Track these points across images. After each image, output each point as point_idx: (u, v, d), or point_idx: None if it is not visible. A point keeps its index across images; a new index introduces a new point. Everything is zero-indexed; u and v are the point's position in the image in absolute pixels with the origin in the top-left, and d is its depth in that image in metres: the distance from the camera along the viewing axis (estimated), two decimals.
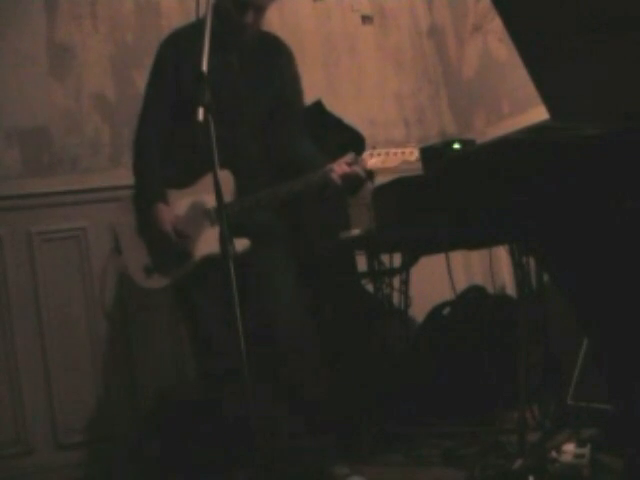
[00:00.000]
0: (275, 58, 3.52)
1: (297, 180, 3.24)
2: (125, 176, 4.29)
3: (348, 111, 4.65)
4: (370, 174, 4.44)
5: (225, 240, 2.62)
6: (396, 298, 4.11)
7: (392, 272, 4.08)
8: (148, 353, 4.26)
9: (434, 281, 4.33)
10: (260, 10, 3.32)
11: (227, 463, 3.25)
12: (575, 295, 2.00)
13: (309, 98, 4.50)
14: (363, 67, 5.14)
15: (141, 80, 4.48)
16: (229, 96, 3.32)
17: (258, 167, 3.41)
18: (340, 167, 3.18)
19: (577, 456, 2.77)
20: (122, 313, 4.27)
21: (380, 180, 3.82)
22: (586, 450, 2.78)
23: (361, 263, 4.23)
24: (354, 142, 4.39)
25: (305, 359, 3.27)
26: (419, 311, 4.36)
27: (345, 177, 3.17)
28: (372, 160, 3.17)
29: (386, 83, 5.17)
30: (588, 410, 3.27)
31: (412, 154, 3.18)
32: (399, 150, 3.18)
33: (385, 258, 4.14)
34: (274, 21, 4.88)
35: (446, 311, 4.26)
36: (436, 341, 4.10)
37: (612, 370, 2.01)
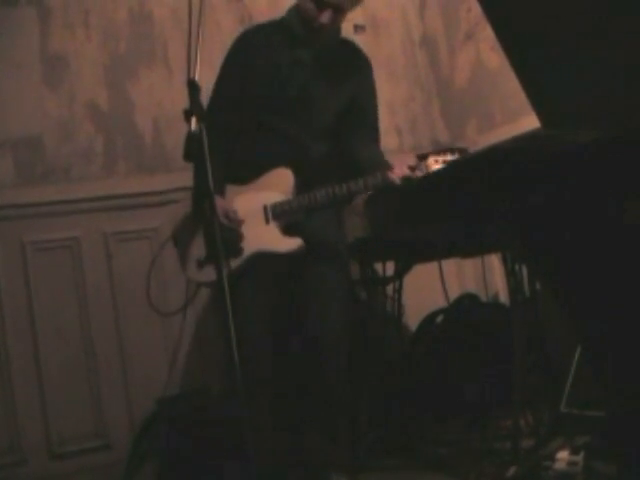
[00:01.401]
0: (352, 64, 3.58)
1: (355, 181, 3.25)
2: (119, 185, 4.31)
3: None
4: None
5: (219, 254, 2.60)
6: (389, 306, 4.11)
7: (385, 280, 4.09)
8: (142, 362, 4.26)
9: (427, 289, 4.33)
10: (339, 12, 3.37)
11: (223, 470, 3.25)
12: (568, 302, 2.01)
13: None
14: None
15: (134, 89, 4.50)
16: (297, 93, 3.39)
17: (321, 168, 3.45)
18: (401, 169, 3.20)
19: (571, 463, 2.77)
20: (115, 321, 4.26)
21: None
22: (580, 458, 2.78)
23: (354, 271, 4.23)
24: None
25: (339, 379, 3.34)
26: (412, 319, 4.36)
27: (405, 180, 3.18)
28: (436, 166, 3.16)
29: (378, 92, 5.16)
30: (582, 417, 3.27)
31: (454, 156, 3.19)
32: (456, 157, 3.18)
33: (378, 266, 4.14)
34: None
35: (439, 319, 4.26)
36: (429, 349, 4.10)
37: (605, 376, 2.02)
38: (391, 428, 3.83)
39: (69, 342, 4.20)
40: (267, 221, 3.30)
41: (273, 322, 3.34)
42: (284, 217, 3.31)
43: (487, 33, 4.55)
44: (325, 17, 3.32)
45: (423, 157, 3.19)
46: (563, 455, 2.82)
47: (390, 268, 4.06)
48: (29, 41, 4.35)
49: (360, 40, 5.16)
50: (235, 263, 3.28)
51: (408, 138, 5.22)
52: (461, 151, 3.22)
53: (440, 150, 3.26)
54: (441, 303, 4.22)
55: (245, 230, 3.31)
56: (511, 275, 3.38)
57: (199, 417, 3.58)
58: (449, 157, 3.14)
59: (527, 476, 2.81)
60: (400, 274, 4.05)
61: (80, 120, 4.41)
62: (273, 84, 3.43)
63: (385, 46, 5.22)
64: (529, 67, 1.63)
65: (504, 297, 4.41)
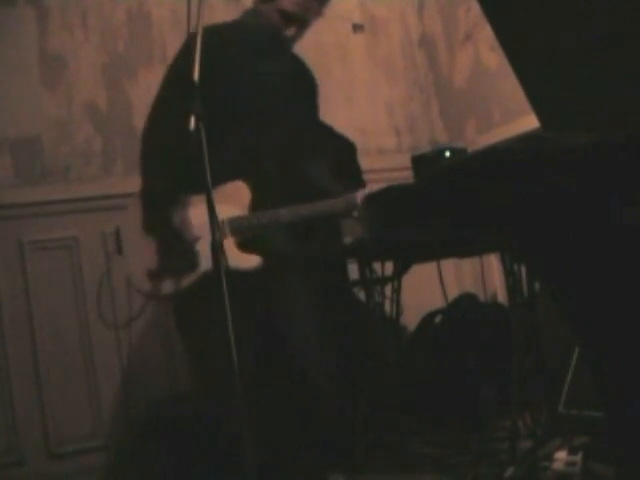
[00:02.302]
0: (307, 84, 3.51)
1: (321, 202, 3.15)
2: (117, 185, 4.31)
3: (339, 120, 4.64)
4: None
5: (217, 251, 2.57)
6: (388, 306, 4.11)
7: (384, 280, 4.09)
8: (141, 363, 4.26)
9: (426, 289, 4.33)
10: (303, 26, 3.29)
11: (221, 474, 3.25)
12: (567, 303, 2.01)
13: None
14: (354, 76, 5.15)
15: (132, 90, 4.51)
16: (260, 106, 3.28)
17: (278, 184, 3.30)
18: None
19: (569, 464, 2.78)
20: (114, 321, 4.26)
21: (371, 188, 3.82)
22: (578, 458, 2.78)
23: (353, 271, 4.23)
24: (345, 151, 4.39)
25: (322, 387, 3.21)
26: (411, 319, 4.36)
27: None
28: None
29: (377, 92, 5.18)
30: (580, 418, 3.27)
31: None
32: None
33: (377, 266, 4.14)
34: None
35: (438, 319, 4.26)
36: (428, 349, 4.10)
37: (604, 376, 2.02)
38: (389, 428, 3.83)
39: (67, 342, 4.20)
40: (224, 235, 3.11)
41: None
42: (241, 233, 3.15)
43: (486, 33, 4.56)
44: (291, 31, 3.23)
45: None
46: (561, 455, 2.83)
47: (389, 268, 4.06)
48: (27, 41, 4.35)
49: (359, 40, 5.19)
50: (190, 279, 3.13)
51: (407, 138, 5.22)
52: None
53: None
54: (440, 303, 4.23)
55: (201, 245, 3.13)
56: (510, 275, 3.38)
57: (190, 419, 3.57)
58: None
59: (525, 477, 2.81)
60: (399, 274, 4.05)
61: (78, 120, 4.41)
62: (234, 95, 3.29)
63: (384, 46, 5.22)
64: (528, 67, 1.63)
65: (502, 297, 4.41)
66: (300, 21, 3.23)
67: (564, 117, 1.67)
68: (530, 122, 1.84)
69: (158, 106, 3.34)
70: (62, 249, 4.26)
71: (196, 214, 3.17)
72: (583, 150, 1.66)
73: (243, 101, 3.27)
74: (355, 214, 3.17)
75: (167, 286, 3.15)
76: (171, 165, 3.26)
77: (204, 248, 3.08)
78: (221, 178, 3.09)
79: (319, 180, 3.38)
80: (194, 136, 2.56)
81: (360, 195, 3.12)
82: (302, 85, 3.48)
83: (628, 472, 1.97)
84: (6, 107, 4.26)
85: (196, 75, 2.65)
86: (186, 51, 3.30)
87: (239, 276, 2.94)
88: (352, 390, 3.83)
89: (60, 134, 4.36)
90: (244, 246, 3.14)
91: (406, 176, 4.25)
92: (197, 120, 2.56)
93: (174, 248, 3.16)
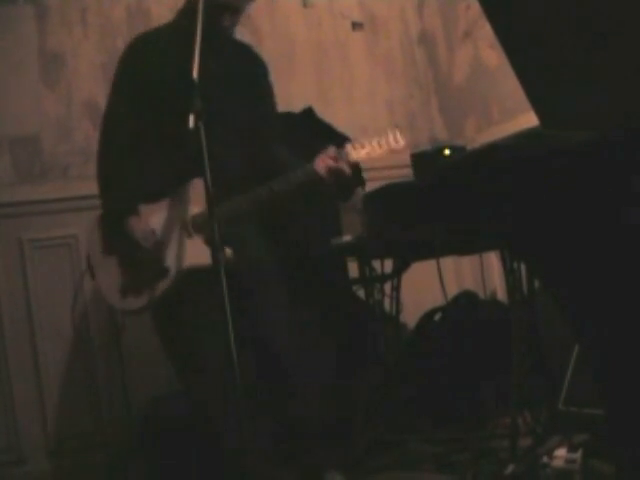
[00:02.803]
0: (253, 68, 3.39)
1: (277, 179, 3.05)
2: None
3: (339, 118, 4.66)
4: (357, 169, 4.39)
5: (216, 247, 2.55)
6: (387, 304, 4.11)
7: (383, 278, 4.09)
8: (140, 361, 4.26)
9: (425, 287, 4.33)
10: (237, 13, 3.17)
11: (217, 474, 3.24)
12: (566, 301, 2.01)
13: (300, 105, 4.51)
14: (354, 74, 5.15)
15: None
16: (210, 104, 3.05)
17: (240, 178, 3.20)
18: (324, 161, 3.00)
19: (569, 461, 2.78)
20: (113, 319, 4.26)
21: (370, 186, 3.83)
22: (578, 455, 2.78)
23: (352, 269, 4.23)
24: None
25: (308, 392, 3.19)
26: (410, 317, 4.36)
27: (331, 172, 2.99)
28: (355, 152, 2.99)
29: (377, 90, 5.18)
30: (579, 415, 3.27)
31: (398, 142, 3.04)
32: (383, 139, 3.00)
33: (376, 264, 4.14)
34: (264, 28, 4.90)
35: (437, 317, 4.26)
36: (427, 347, 4.10)
37: (604, 376, 2.02)
38: (388, 427, 3.83)
39: (67, 340, 4.20)
40: (190, 235, 3.06)
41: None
42: (206, 229, 2.96)
43: (486, 31, 4.55)
44: (226, 20, 3.12)
45: (341, 146, 3.02)
46: (561, 453, 2.82)
47: (388, 266, 4.06)
48: (26, 39, 4.35)
49: (358, 37, 5.19)
50: (164, 285, 3.07)
51: (406, 136, 5.21)
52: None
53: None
54: (439, 301, 4.22)
55: (168, 249, 3.09)
56: (509, 273, 3.38)
57: (191, 417, 3.56)
58: (367, 146, 2.98)
59: (525, 474, 2.81)
60: (398, 272, 4.05)
61: (78, 118, 4.41)
62: (180, 98, 3.06)
63: (383, 44, 5.22)
64: (528, 65, 1.63)
65: (502, 295, 4.41)
66: (231, 9, 3.13)
67: (563, 115, 1.67)
68: (529, 120, 1.84)
69: (108, 120, 3.33)
70: (62, 247, 4.26)
71: (154, 220, 3.15)
72: (583, 147, 1.66)
73: (187, 106, 3.06)
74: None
75: (142, 298, 3.11)
76: (126, 174, 3.24)
77: (172, 253, 3.09)
78: (178, 180, 3.09)
79: (280, 164, 3.27)
80: (193, 134, 2.56)
81: (316, 162, 3.01)
82: (250, 72, 3.37)
83: (628, 471, 1.97)
84: (5, 105, 4.26)
85: (195, 73, 2.65)
86: (126, 58, 3.29)
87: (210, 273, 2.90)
88: (352, 389, 3.84)
89: (59, 132, 4.36)
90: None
91: (405, 174, 4.24)
92: (196, 118, 2.55)
93: (141, 261, 3.12)
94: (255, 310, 3.11)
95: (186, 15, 3.18)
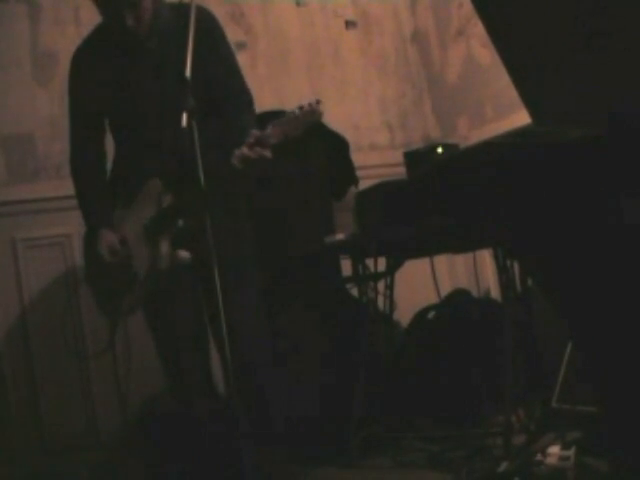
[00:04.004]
0: (196, 34, 2.93)
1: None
2: None
3: (332, 116, 4.64)
4: (350, 167, 4.35)
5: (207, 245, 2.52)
6: (381, 302, 4.11)
7: (377, 276, 4.09)
8: (135, 360, 4.25)
9: (419, 285, 4.34)
10: (135, 7, 2.99)
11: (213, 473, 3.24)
12: (560, 299, 2.01)
13: (293, 103, 4.50)
14: (347, 72, 5.15)
15: None
16: (149, 104, 3.08)
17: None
18: (240, 150, 2.83)
19: (562, 458, 2.78)
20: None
21: (364, 185, 3.83)
22: (571, 453, 2.78)
23: (346, 267, 4.23)
24: (338, 147, 4.40)
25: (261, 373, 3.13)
26: (404, 315, 4.36)
27: (246, 160, 2.82)
28: (272, 138, 2.79)
29: (370, 88, 5.18)
30: (573, 413, 3.28)
31: (313, 113, 2.76)
32: (299, 111, 2.77)
33: (370, 262, 4.14)
34: (258, 27, 4.90)
35: (431, 315, 4.26)
36: (421, 345, 4.11)
37: (597, 373, 2.02)
38: (382, 425, 3.83)
39: (61, 339, 4.19)
40: (149, 240, 3.00)
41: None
42: (163, 230, 2.96)
43: (478, 29, 4.56)
44: (129, 20, 2.98)
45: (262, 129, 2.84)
46: (554, 450, 2.83)
47: (382, 264, 4.06)
48: (19, 38, 4.34)
49: (351, 36, 5.19)
50: (137, 292, 3.06)
51: (399, 134, 5.23)
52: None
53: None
54: (433, 299, 4.23)
55: (139, 255, 3.03)
56: (503, 271, 3.39)
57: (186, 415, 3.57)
58: (291, 114, 2.78)
59: (519, 471, 2.81)
60: (392, 270, 4.05)
61: None
62: (121, 105, 3.13)
63: (376, 42, 5.22)
64: (520, 63, 1.63)
65: (496, 293, 4.42)
66: (127, 5, 2.98)
67: (556, 112, 1.67)
68: (522, 118, 1.84)
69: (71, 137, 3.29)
70: (55, 246, 4.26)
71: (126, 227, 3.11)
72: (575, 144, 1.66)
73: (130, 110, 3.12)
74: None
75: (124, 306, 3.14)
76: (93, 189, 3.23)
77: (143, 257, 3.04)
78: (139, 183, 3.04)
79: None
80: (187, 133, 2.54)
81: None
82: (183, 45, 2.89)
83: (622, 470, 1.98)
84: None
85: (188, 71, 2.64)
86: (71, 72, 3.26)
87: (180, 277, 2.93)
88: (344, 386, 3.84)
89: (53, 131, 4.34)
90: (179, 243, 2.96)
91: (399, 172, 4.25)
92: (189, 117, 2.54)
93: (112, 271, 3.11)
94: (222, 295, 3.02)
95: (103, 26, 3.18)
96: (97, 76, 3.15)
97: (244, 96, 3.22)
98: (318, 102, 2.77)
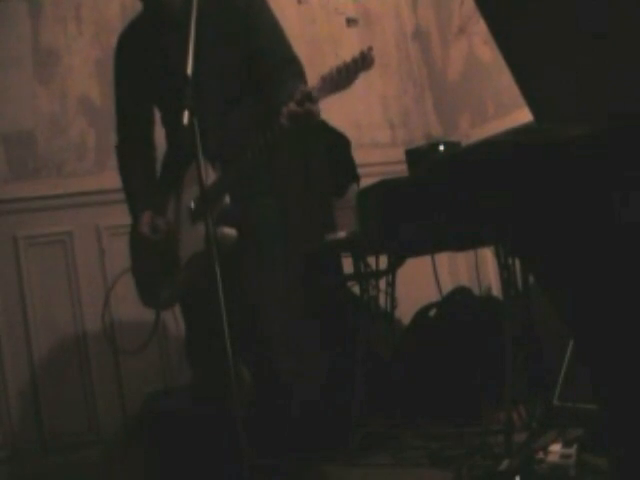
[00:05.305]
0: (227, 5, 3.04)
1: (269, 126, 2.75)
2: (111, 180, 4.30)
3: (333, 113, 4.64)
4: (351, 165, 4.32)
5: (209, 235, 2.50)
6: (382, 300, 4.11)
7: (378, 274, 4.09)
8: (135, 358, 4.26)
9: (420, 283, 4.34)
10: None
11: (212, 469, 3.25)
12: (561, 297, 2.01)
13: None
14: None
15: None
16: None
17: (246, 135, 2.95)
18: (287, 107, 2.68)
19: (563, 456, 2.78)
20: (108, 315, 4.26)
21: (365, 182, 3.83)
22: (572, 450, 2.78)
23: (347, 265, 4.23)
24: (339, 145, 4.40)
25: (295, 362, 3.10)
26: (405, 313, 4.36)
27: (294, 118, 2.67)
28: (322, 91, 2.65)
29: (371, 85, 5.18)
30: (574, 410, 3.28)
31: (365, 60, 2.66)
32: (350, 60, 2.65)
33: (371, 260, 4.14)
34: None
35: (432, 312, 4.26)
36: (422, 342, 4.10)
37: (598, 371, 2.02)
38: (383, 423, 3.83)
39: (62, 337, 4.20)
40: (194, 222, 2.93)
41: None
42: (207, 210, 2.75)
43: (480, 27, 4.56)
44: None
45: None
46: (556, 448, 2.83)
47: (383, 262, 4.06)
48: (20, 35, 4.34)
49: (352, 33, 5.19)
50: (177, 278, 3.03)
51: (401, 132, 5.23)
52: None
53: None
54: (434, 297, 4.23)
55: (183, 239, 3.00)
56: (504, 269, 3.38)
57: (186, 412, 3.57)
58: (341, 65, 2.67)
59: (520, 469, 2.81)
60: (393, 268, 4.05)
61: (72, 115, 4.40)
62: (162, 84, 3.08)
63: (378, 40, 5.22)
64: (522, 61, 1.63)
65: (497, 291, 4.42)
66: None
67: (557, 110, 1.67)
68: (524, 115, 1.84)
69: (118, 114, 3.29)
70: (56, 244, 4.26)
71: (171, 210, 3.11)
72: (577, 142, 1.66)
73: (170, 88, 2.99)
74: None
75: (165, 292, 3.12)
76: (137, 174, 3.24)
77: (184, 241, 3.02)
78: (186, 164, 2.99)
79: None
80: (187, 130, 2.54)
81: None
82: (218, 17, 3.02)
83: (622, 469, 1.98)
84: None
85: (189, 69, 2.63)
86: (116, 56, 3.26)
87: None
88: (344, 384, 3.84)
89: (54, 128, 4.35)
90: (224, 223, 2.87)
91: (400, 170, 4.25)
92: (190, 114, 2.54)
93: (158, 254, 3.10)
94: (246, 279, 3.01)
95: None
96: (141, 60, 3.14)
97: (293, 66, 3.15)
98: (370, 49, 2.64)
